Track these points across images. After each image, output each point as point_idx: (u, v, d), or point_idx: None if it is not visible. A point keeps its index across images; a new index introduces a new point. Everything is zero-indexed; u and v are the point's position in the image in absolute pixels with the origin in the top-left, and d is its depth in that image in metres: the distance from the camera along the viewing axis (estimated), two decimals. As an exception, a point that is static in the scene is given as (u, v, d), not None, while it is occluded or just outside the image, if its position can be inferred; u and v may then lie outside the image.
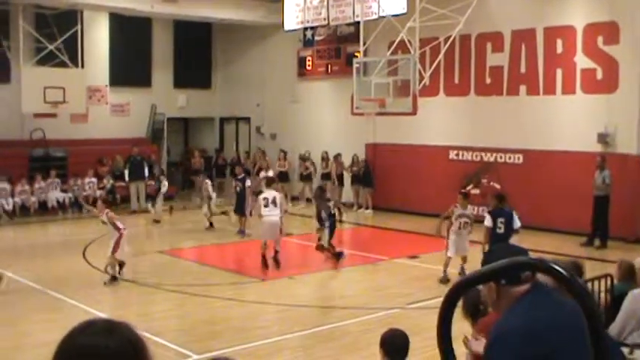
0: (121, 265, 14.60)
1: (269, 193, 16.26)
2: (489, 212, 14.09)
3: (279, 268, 15.82)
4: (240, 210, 20.07)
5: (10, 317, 12.29)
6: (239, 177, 20.47)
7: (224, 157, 28.41)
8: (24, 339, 11.29)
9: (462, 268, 14.36)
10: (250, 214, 19.59)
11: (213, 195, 21.37)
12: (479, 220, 15.16)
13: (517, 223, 13.70)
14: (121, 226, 14.53)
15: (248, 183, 20.10)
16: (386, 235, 20.82)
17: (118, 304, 13.36)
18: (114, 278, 14.32)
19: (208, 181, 21.63)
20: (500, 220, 13.63)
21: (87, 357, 2.08)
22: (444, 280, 14.32)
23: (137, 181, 24.42)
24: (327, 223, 16.24)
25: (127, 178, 24.49)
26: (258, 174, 24.40)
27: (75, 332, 2.15)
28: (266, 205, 15.87)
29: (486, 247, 12.79)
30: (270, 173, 22.38)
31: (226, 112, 30.83)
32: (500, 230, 13.56)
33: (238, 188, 20.13)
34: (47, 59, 24.44)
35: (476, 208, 21.52)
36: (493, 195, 15.22)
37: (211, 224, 20.93)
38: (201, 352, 10.14)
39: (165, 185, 22.89)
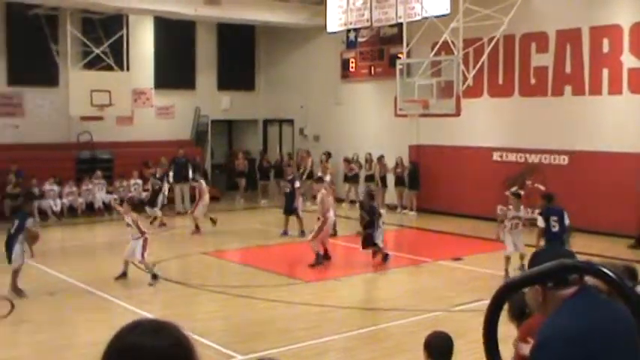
0: (125, 273, 14.78)
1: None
2: (540, 213, 14.12)
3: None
4: (288, 211, 20.20)
5: (59, 317, 12.51)
6: (289, 178, 20.63)
7: (268, 160, 28.49)
8: (72, 338, 11.47)
9: (522, 266, 14.22)
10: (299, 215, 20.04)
11: (206, 198, 21.08)
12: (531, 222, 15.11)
13: (567, 220, 13.89)
14: (144, 229, 14.81)
15: (297, 184, 20.24)
16: (429, 237, 20.73)
17: (163, 305, 13.50)
18: (155, 276, 14.50)
19: (203, 182, 21.65)
20: (554, 218, 13.77)
21: (134, 357, 2.10)
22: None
23: (181, 183, 24.60)
24: (379, 223, 16.57)
25: (171, 179, 24.61)
26: (301, 176, 24.34)
27: (123, 332, 2.17)
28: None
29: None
30: (328, 178, 22.27)
31: (270, 114, 30.95)
32: (555, 229, 13.78)
33: (287, 189, 20.25)
34: (94, 63, 24.81)
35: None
36: (541, 196, 15.25)
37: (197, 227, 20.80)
38: (246, 352, 10.20)
39: (165, 190, 22.84)
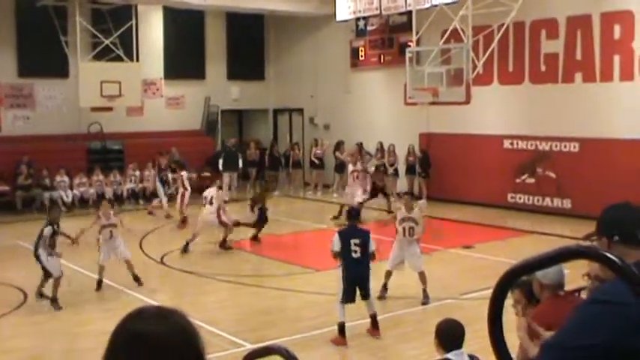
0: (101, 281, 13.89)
1: None
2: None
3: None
4: None
5: (73, 305, 12.56)
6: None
7: (277, 150, 28.45)
8: (84, 327, 11.55)
9: None
10: None
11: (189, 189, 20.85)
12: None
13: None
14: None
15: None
16: (440, 225, 20.67)
17: (173, 294, 13.57)
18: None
19: (184, 174, 21.34)
20: (355, 241, 11.05)
21: (138, 343, 2.10)
22: None
23: (230, 172, 25.55)
24: None
25: (220, 167, 25.25)
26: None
27: (127, 319, 2.17)
28: None
29: None
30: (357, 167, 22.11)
31: (280, 104, 30.94)
32: (357, 254, 11.04)
33: None
34: (103, 54, 24.75)
35: (531, 198, 21.31)
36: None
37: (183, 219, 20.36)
38: (255, 341, 10.20)
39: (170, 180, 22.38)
